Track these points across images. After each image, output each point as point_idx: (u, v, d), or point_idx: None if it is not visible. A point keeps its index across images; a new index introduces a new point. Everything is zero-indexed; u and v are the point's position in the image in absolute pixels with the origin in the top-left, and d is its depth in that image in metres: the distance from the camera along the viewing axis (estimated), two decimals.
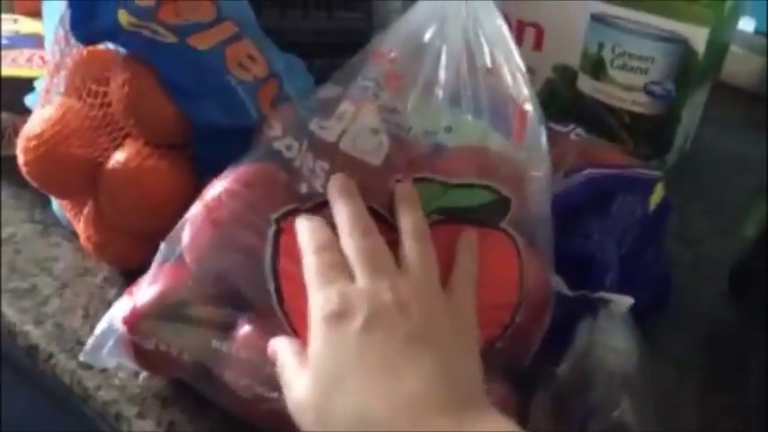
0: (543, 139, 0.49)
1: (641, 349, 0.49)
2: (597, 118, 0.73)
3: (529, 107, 0.49)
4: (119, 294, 0.53)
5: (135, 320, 0.47)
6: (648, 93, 0.69)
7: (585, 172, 0.55)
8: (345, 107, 0.47)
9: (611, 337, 0.50)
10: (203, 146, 0.54)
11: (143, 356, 0.48)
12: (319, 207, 0.46)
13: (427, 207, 0.46)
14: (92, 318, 0.57)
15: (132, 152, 0.54)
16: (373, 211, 0.45)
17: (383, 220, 0.46)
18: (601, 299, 0.50)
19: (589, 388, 0.49)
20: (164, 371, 0.51)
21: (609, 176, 0.55)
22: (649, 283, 0.56)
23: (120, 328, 0.47)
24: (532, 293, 0.46)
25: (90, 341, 0.48)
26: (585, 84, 0.73)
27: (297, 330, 0.44)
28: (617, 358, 0.49)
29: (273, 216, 0.45)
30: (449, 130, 0.48)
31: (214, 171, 0.49)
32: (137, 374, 0.53)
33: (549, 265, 0.48)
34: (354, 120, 0.47)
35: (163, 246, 0.48)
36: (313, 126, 0.48)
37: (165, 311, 0.47)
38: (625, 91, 0.70)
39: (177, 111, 0.53)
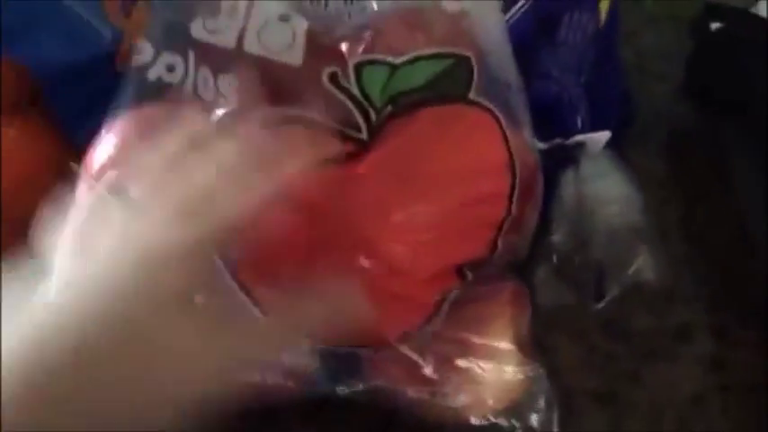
0: None
1: (637, 190, 0.43)
2: None
3: None
4: None
5: None
6: None
7: None
8: None
9: (601, 184, 0.44)
10: (54, 93, 0.42)
11: None
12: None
13: (378, 97, 0.36)
14: None
15: None
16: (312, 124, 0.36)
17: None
18: (577, 144, 0.44)
19: (591, 246, 0.44)
20: None
21: None
22: (615, 105, 0.48)
23: None
24: (522, 171, 0.38)
25: None
26: None
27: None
28: (614, 208, 0.43)
29: None
30: None
31: (81, 118, 0.38)
32: None
33: (530, 132, 0.39)
34: (251, 11, 0.36)
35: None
36: (196, 32, 0.36)
37: None
38: None
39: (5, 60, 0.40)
